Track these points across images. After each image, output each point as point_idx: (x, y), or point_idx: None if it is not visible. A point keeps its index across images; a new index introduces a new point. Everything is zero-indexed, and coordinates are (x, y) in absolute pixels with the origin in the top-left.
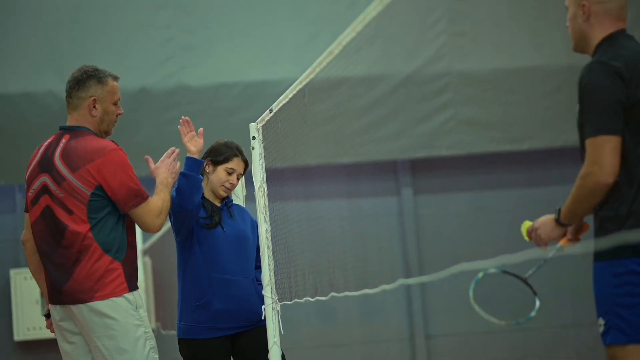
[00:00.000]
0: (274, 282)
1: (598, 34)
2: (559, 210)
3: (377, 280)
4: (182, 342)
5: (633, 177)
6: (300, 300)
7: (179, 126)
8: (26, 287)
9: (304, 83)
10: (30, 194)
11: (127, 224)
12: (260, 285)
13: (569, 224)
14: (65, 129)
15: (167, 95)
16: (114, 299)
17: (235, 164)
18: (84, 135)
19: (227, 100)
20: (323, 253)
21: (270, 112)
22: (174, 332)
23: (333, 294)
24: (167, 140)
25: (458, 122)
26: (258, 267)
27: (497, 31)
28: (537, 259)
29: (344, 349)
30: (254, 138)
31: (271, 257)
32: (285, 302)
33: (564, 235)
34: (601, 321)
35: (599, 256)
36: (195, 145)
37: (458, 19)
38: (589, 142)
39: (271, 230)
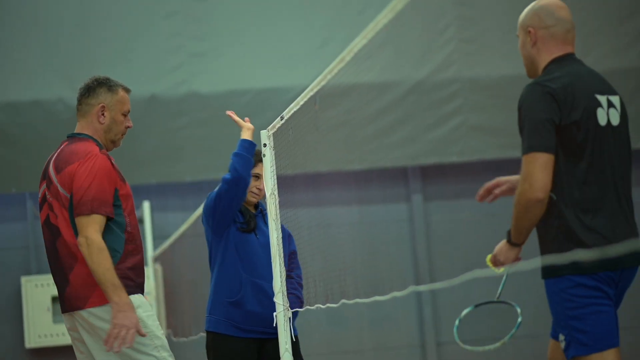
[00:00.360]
0: (285, 289)
1: (545, 58)
2: (508, 233)
3: (388, 287)
4: (211, 334)
5: (569, 196)
6: (312, 307)
7: (227, 111)
8: (37, 295)
9: (315, 90)
10: (39, 203)
11: (128, 231)
12: (291, 294)
13: (521, 243)
14: (68, 136)
15: (177, 103)
16: (108, 304)
17: (261, 169)
18: (79, 140)
19: (238, 108)
20: (334, 260)
21: (282, 120)
22: (185, 339)
23: (344, 300)
24: (177, 147)
25: (468, 129)
26: (290, 276)
27: (506, 37)
28: (548, 265)
29: (354, 355)
30: (265, 145)
31: (282, 265)
32: (297, 309)
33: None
34: (561, 337)
35: (546, 274)
36: (247, 124)
37: (467, 25)
38: (523, 159)
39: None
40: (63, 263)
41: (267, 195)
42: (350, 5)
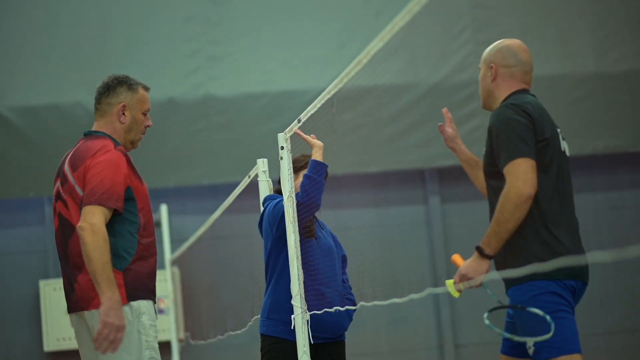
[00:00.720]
0: (303, 292)
1: (504, 92)
2: (479, 247)
3: (406, 289)
4: (268, 338)
5: (540, 208)
6: (330, 310)
7: (296, 129)
8: (55, 298)
9: (332, 93)
10: (53, 200)
11: (142, 233)
12: (347, 299)
13: (494, 254)
14: (85, 134)
15: (194, 106)
16: None
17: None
18: (95, 138)
19: (255, 111)
20: (351, 262)
21: (299, 122)
22: (203, 342)
23: (362, 303)
24: (195, 151)
25: (485, 131)
26: (342, 280)
27: (523, 39)
28: (565, 267)
29: (372, 357)
30: (282, 148)
31: (300, 267)
32: (315, 311)
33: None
34: (530, 343)
35: (513, 281)
36: (316, 142)
37: (484, 27)
38: (507, 167)
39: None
40: (73, 263)
41: (285, 198)
42: (367, 8)
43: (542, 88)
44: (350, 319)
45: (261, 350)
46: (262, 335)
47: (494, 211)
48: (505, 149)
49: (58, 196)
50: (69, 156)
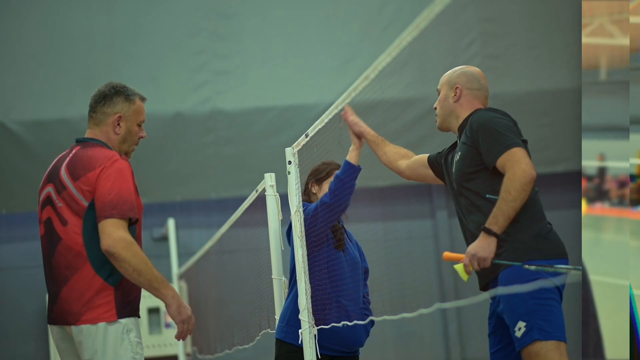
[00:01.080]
0: (310, 306)
1: (466, 111)
2: (485, 227)
3: (414, 304)
4: (286, 345)
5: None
6: (338, 325)
7: (342, 113)
8: None
9: (339, 107)
10: (39, 208)
11: None
12: (366, 315)
13: (501, 233)
14: (79, 141)
15: (202, 120)
16: (101, 323)
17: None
18: (93, 146)
19: (262, 125)
20: None
21: (306, 137)
22: (211, 357)
23: (371, 317)
24: (203, 165)
25: None
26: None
27: (530, 53)
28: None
29: None
30: (289, 162)
31: (307, 281)
32: (323, 326)
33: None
34: (521, 324)
35: (505, 265)
36: (355, 140)
37: (492, 41)
38: (504, 156)
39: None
40: (59, 273)
41: (292, 212)
42: (374, 22)
43: (550, 102)
44: (367, 335)
45: (277, 357)
46: (278, 340)
47: (468, 213)
48: (498, 142)
49: (48, 202)
50: (66, 163)
